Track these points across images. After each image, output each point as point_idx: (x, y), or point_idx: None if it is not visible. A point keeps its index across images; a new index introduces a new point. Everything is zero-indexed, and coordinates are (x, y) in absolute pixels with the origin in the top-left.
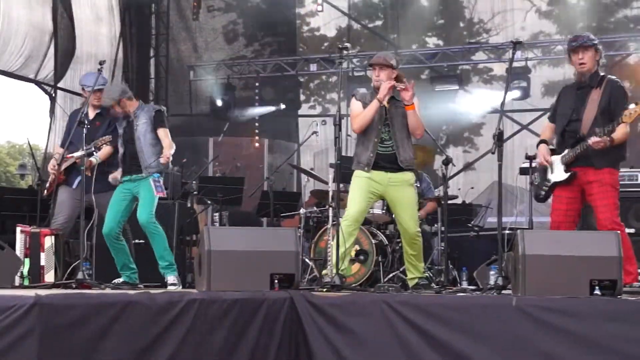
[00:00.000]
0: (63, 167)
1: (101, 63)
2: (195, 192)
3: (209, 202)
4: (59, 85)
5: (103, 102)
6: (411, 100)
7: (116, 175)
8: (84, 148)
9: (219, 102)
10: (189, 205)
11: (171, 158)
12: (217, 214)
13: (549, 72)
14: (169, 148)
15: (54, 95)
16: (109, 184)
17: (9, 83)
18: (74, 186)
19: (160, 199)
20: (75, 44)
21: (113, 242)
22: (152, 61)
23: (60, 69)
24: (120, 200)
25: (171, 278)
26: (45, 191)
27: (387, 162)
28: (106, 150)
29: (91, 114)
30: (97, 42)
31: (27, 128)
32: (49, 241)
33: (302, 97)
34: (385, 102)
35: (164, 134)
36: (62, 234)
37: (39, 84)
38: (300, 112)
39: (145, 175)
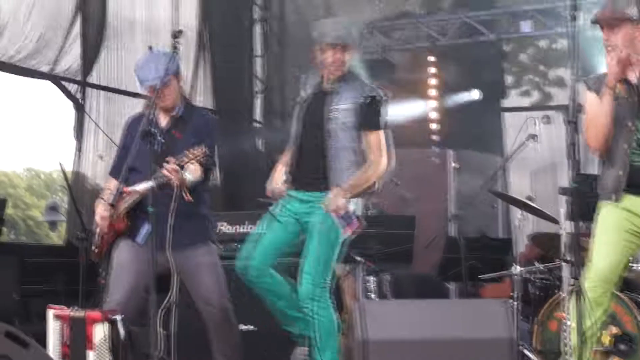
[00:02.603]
0: (122, 209)
1: (176, 35)
2: None
3: (358, 258)
4: (89, 80)
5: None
6: None
7: (279, 184)
8: (154, 175)
9: None
10: None
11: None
12: (372, 279)
13: None
14: (378, 165)
15: (82, 100)
16: (199, 234)
17: (18, 81)
18: (141, 239)
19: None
20: (105, 6)
21: (261, 280)
22: (257, 28)
23: (91, 53)
24: (281, 227)
25: None
26: (96, 251)
27: None
28: (196, 169)
29: (163, 119)
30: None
31: (54, 148)
32: (100, 331)
33: (509, 78)
34: (620, 87)
35: (375, 141)
36: (121, 319)
37: (56, 80)
38: (506, 102)
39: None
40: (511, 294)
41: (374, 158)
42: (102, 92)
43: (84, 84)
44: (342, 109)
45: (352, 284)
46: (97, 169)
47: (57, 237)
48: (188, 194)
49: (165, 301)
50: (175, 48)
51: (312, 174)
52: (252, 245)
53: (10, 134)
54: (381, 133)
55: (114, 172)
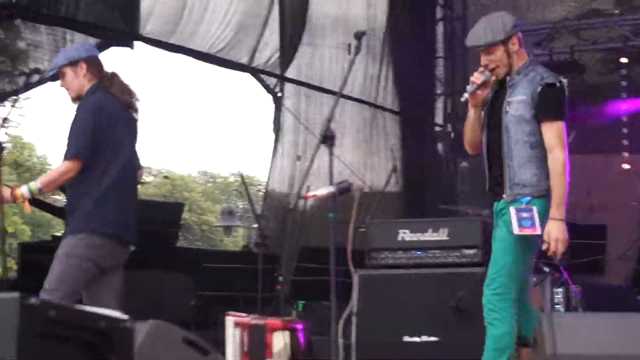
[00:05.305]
0: (30, 208)
1: (359, 35)
2: None
3: (545, 269)
4: (286, 74)
5: (473, 41)
6: None
7: None
8: (337, 182)
9: None
10: None
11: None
12: (560, 290)
13: None
14: (559, 160)
15: (279, 93)
16: (73, 226)
17: (209, 72)
18: None
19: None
20: (308, 2)
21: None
22: (440, 28)
23: (289, 48)
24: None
25: None
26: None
27: None
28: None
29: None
30: None
31: (238, 150)
32: (280, 340)
33: None
34: None
35: (554, 132)
36: (302, 327)
37: (255, 73)
38: None
39: (509, 201)
40: None
41: (555, 153)
42: (301, 89)
43: (282, 79)
44: (516, 101)
45: (539, 295)
46: (296, 171)
47: (231, 243)
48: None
49: (346, 311)
50: (357, 48)
51: (498, 179)
52: None
53: (190, 135)
54: (560, 124)
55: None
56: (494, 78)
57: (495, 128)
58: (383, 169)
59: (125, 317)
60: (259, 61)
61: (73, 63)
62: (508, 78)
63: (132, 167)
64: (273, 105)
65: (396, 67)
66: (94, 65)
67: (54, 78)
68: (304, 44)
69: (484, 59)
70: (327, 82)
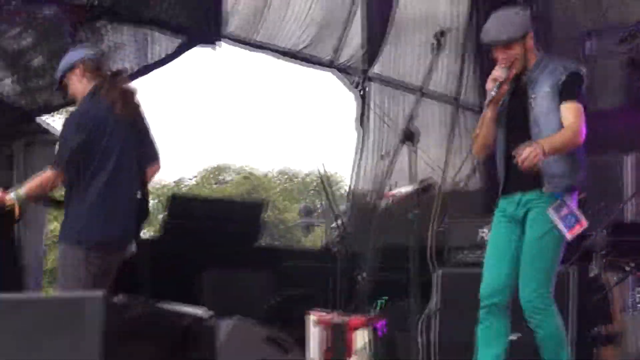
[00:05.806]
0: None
1: (440, 34)
2: (603, 252)
3: (627, 268)
4: (371, 72)
5: (491, 37)
6: None
7: None
8: (421, 179)
9: None
10: (592, 273)
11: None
12: None
13: None
14: (575, 130)
15: (362, 91)
16: (62, 233)
17: (292, 70)
18: None
19: None
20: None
21: (495, 316)
22: None
23: (374, 45)
24: (506, 240)
25: None
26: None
27: None
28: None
29: None
30: None
31: (317, 148)
32: (361, 338)
33: None
34: None
35: (571, 109)
36: (384, 325)
37: (339, 70)
38: None
39: (545, 194)
40: None
41: (571, 122)
42: (385, 89)
43: (365, 77)
44: (540, 96)
45: (620, 294)
46: (380, 170)
47: (309, 242)
48: (17, 211)
49: (426, 309)
50: (438, 46)
51: (524, 178)
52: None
53: (270, 134)
54: (579, 105)
55: None
56: (513, 71)
57: (517, 128)
58: (465, 167)
59: (208, 314)
60: (343, 59)
61: (70, 69)
62: (525, 75)
63: (130, 172)
64: (356, 104)
65: (480, 65)
66: (91, 65)
67: (63, 93)
68: (388, 41)
69: (501, 54)
70: (411, 80)
